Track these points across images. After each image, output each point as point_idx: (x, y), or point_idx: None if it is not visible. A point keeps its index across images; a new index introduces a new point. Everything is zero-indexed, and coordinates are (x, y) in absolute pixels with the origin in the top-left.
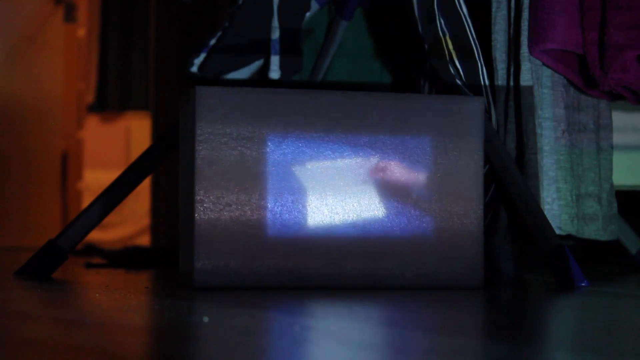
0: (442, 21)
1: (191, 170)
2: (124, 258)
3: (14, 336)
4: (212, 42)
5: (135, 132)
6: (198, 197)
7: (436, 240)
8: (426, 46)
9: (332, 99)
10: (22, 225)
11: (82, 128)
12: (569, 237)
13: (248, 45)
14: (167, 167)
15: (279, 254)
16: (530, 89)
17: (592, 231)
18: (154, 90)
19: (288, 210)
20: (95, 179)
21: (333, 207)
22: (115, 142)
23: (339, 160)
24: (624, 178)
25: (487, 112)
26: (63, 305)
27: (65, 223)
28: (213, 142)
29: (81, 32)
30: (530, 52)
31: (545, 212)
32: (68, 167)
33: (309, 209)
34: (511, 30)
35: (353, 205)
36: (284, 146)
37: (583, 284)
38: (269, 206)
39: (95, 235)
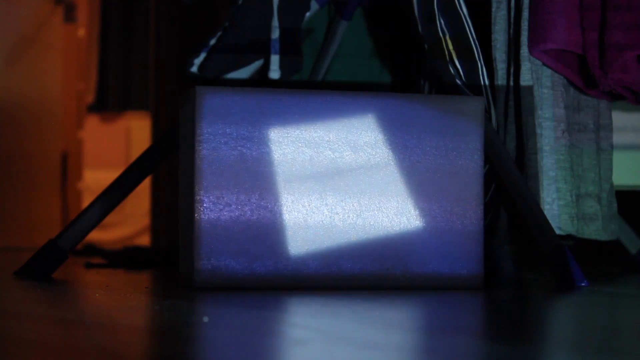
0: (442, 21)
1: (191, 170)
2: (124, 258)
3: (14, 336)
4: (212, 42)
5: (135, 132)
6: (198, 197)
7: (436, 240)
8: (426, 46)
9: (332, 99)
10: (22, 225)
11: (82, 128)
12: (569, 237)
13: (248, 45)
14: (167, 167)
15: (278, 254)
16: (530, 89)
17: (592, 231)
18: (154, 90)
19: (288, 210)
20: (95, 179)
21: (333, 207)
22: (115, 142)
23: (339, 160)
24: (624, 178)
25: (487, 112)
26: (63, 305)
27: (65, 223)
28: (213, 142)
29: (81, 32)
30: (530, 52)
31: (545, 212)
32: (68, 167)
33: (308, 209)
34: (511, 30)
35: (353, 205)
36: (284, 146)
37: (583, 284)
38: (269, 206)
39: (95, 235)
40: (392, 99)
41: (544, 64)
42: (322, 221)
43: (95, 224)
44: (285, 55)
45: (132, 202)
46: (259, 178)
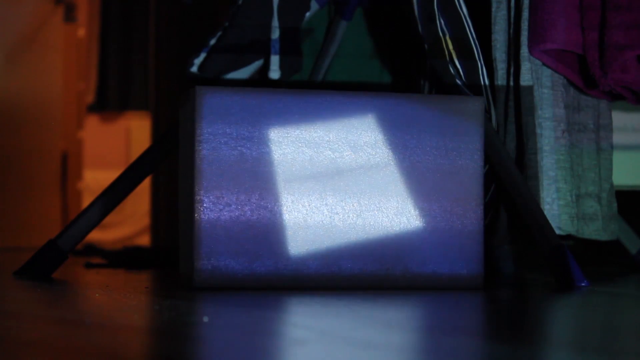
0: (442, 21)
1: (191, 170)
2: (124, 258)
3: (14, 336)
4: (212, 42)
5: (135, 132)
6: (198, 197)
7: (436, 240)
8: (426, 46)
9: (332, 99)
10: (22, 225)
11: (82, 128)
12: (569, 237)
13: (248, 45)
14: (167, 167)
15: (278, 254)
16: (530, 89)
17: (592, 231)
18: (154, 90)
19: (288, 210)
20: (95, 179)
21: (333, 207)
22: (115, 142)
23: (339, 160)
24: (624, 178)
25: (487, 112)
26: (63, 305)
27: (65, 223)
28: (213, 142)
29: (81, 32)
30: (530, 52)
31: (545, 212)
32: (68, 167)
33: (308, 209)
34: (511, 30)
35: (353, 205)
36: (284, 146)
37: (583, 284)
38: (269, 206)
39: (95, 235)
40: (392, 99)
41: (544, 64)
42: (322, 221)
43: (95, 224)
44: (285, 55)
45: (132, 202)
46: (259, 178)
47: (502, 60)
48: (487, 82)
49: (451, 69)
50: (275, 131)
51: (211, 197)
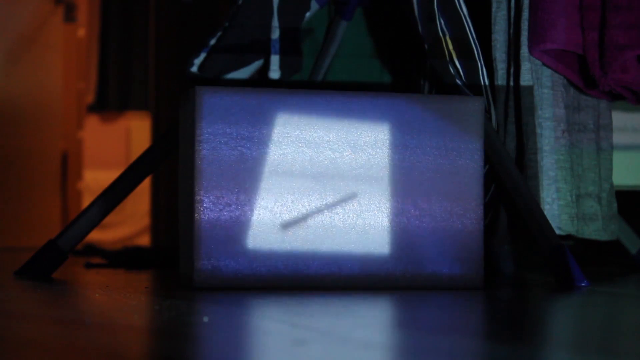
0: (442, 21)
1: (191, 170)
2: (124, 258)
3: (14, 336)
4: (212, 42)
5: (135, 132)
6: (198, 197)
7: (436, 240)
8: (426, 46)
9: (332, 99)
10: (22, 225)
11: (82, 128)
12: (569, 237)
13: (248, 45)
14: (167, 167)
15: (279, 254)
16: (530, 89)
17: (592, 231)
18: (154, 90)
19: (288, 210)
20: (95, 179)
21: (333, 207)
22: (115, 142)
23: (339, 160)
24: (624, 178)
25: (487, 112)
26: (63, 305)
27: (65, 223)
28: (213, 142)
29: (81, 32)
30: (530, 52)
31: (545, 212)
32: (68, 167)
33: (309, 209)
34: (511, 30)
35: (353, 205)
36: (284, 146)
37: (583, 284)
38: (269, 206)
39: (95, 235)
40: (392, 99)
41: (543, 64)
42: (322, 221)
43: (95, 224)
44: (285, 55)
45: (132, 202)
46: (259, 178)
47: (502, 60)
48: (487, 82)
49: (451, 69)
50: (275, 131)
51: (211, 197)
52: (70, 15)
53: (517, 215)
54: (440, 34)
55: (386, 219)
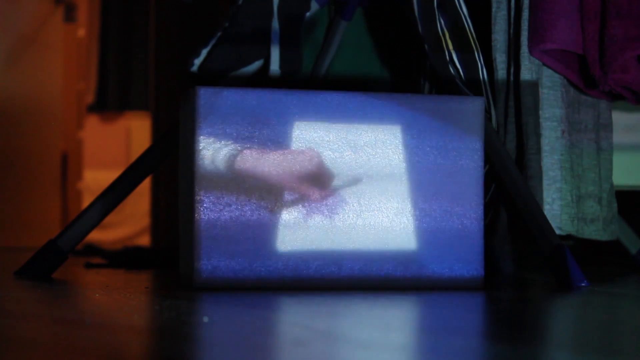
0: (442, 21)
1: (191, 170)
2: (124, 258)
3: (14, 336)
4: (212, 42)
5: (135, 132)
6: (198, 197)
7: (436, 240)
8: (426, 46)
9: (332, 99)
10: (22, 225)
11: (82, 128)
12: (569, 237)
13: (248, 45)
14: (167, 167)
15: (278, 254)
16: (530, 89)
17: (592, 231)
18: (154, 90)
19: (288, 210)
20: (95, 179)
21: (333, 207)
22: (115, 142)
23: (339, 160)
24: (624, 178)
25: (487, 112)
26: (63, 305)
27: (65, 223)
28: (213, 142)
29: (81, 32)
30: (530, 52)
31: (546, 212)
32: (68, 167)
33: (309, 209)
34: (511, 30)
35: (353, 205)
36: (284, 146)
37: (583, 284)
38: (269, 206)
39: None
40: (392, 99)
41: (543, 64)
42: (322, 221)
43: (95, 224)
44: (285, 55)
45: (132, 202)
46: (259, 178)
47: (502, 60)
48: (487, 81)
49: (451, 69)
50: (275, 131)
51: (211, 197)
52: (70, 15)
53: (517, 215)
54: (440, 34)
55: (386, 219)
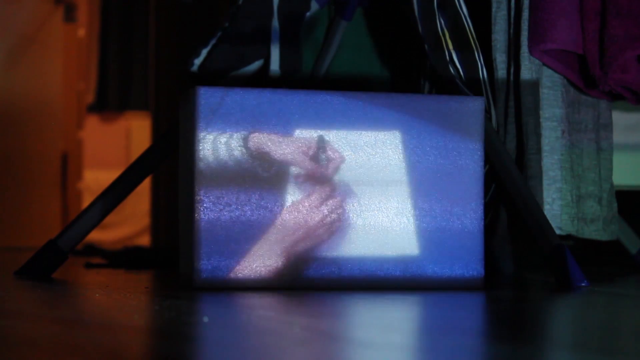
0: (442, 21)
1: (191, 170)
2: (124, 258)
3: (14, 336)
4: (212, 42)
5: (135, 132)
6: (198, 197)
7: (436, 240)
8: (426, 46)
9: (332, 98)
10: (22, 225)
11: (82, 128)
12: (569, 237)
13: (248, 45)
14: (167, 167)
15: (278, 254)
16: (530, 89)
17: (592, 231)
18: (154, 90)
19: (288, 210)
20: (95, 179)
21: (333, 207)
22: (115, 142)
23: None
24: (624, 178)
25: (487, 112)
26: (63, 305)
27: (65, 223)
28: (213, 142)
29: (81, 32)
30: (530, 52)
31: (546, 212)
32: (68, 167)
33: (309, 209)
34: (511, 30)
35: (353, 205)
36: (284, 146)
37: (583, 284)
38: (269, 206)
39: (95, 235)
40: (392, 99)
41: (543, 64)
42: (322, 221)
43: (95, 224)
44: (285, 55)
45: (132, 202)
46: (259, 178)
47: (502, 60)
48: (487, 81)
49: (451, 69)
50: (276, 131)
51: (211, 197)
52: (70, 15)
53: (517, 215)
54: (440, 34)
55: (386, 219)
